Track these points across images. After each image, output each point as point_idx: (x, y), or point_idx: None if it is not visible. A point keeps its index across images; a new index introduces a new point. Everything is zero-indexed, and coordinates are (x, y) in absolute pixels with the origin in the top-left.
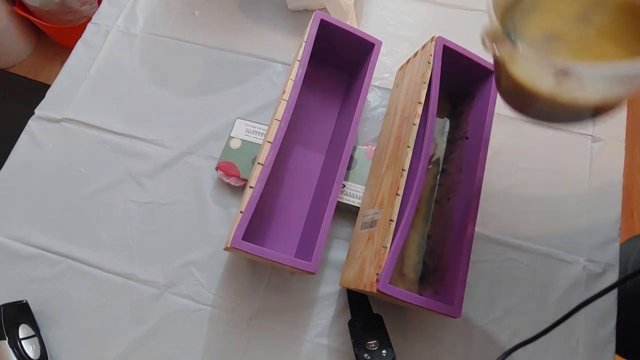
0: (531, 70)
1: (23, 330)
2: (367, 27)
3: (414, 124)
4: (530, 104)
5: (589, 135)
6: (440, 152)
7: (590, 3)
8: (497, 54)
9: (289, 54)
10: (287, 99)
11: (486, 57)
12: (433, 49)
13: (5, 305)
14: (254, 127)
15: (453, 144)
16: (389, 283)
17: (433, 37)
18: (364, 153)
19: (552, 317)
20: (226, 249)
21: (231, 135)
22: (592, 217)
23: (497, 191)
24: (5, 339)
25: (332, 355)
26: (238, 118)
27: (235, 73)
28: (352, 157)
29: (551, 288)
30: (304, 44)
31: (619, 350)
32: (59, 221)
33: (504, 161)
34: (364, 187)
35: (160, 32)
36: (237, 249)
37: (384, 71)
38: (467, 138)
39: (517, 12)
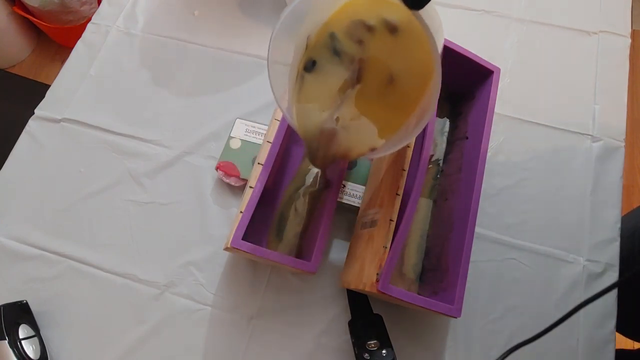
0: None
1: (23, 330)
2: None
3: None
4: None
5: (589, 135)
6: (440, 152)
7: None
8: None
9: None
10: None
11: (486, 57)
12: None
13: (5, 305)
14: (254, 127)
15: (453, 144)
16: (389, 283)
17: None
18: None
19: (552, 317)
20: (226, 249)
21: (231, 135)
22: (592, 217)
23: (497, 191)
24: (5, 339)
25: (332, 355)
26: (238, 118)
27: (235, 73)
28: None
29: (551, 288)
30: None
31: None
32: (59, 221)
33: (504, 161)
34: (364, 187)
35: (160, 32)
36: (237, 249)
37: None
38: (467, 138)
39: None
